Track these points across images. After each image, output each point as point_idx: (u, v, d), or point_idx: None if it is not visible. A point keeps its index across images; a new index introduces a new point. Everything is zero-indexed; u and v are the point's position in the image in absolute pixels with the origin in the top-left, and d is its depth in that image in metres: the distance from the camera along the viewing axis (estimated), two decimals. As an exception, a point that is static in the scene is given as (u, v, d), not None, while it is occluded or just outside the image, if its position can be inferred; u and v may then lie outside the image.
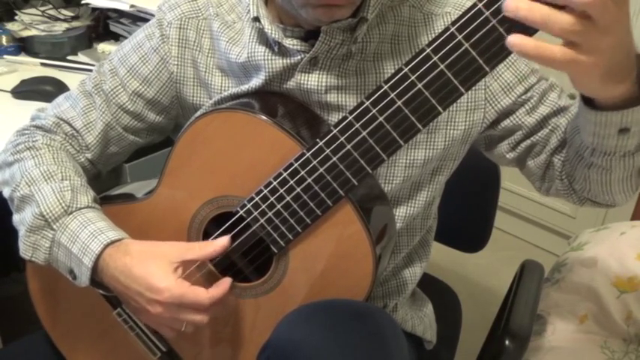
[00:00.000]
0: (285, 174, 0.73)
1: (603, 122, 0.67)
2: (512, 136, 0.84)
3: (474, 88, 0.79)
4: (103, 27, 1.56)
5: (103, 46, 1.50)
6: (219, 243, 0.76)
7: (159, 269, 0.73)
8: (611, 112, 0.66)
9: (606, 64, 0.56)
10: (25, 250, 0.80)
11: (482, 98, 0.81)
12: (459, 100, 0.80)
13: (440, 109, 0.64)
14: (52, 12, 1.55)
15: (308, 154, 0.71)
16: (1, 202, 0.87)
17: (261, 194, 0.75)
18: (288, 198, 0.73)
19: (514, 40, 0.53)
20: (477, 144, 0.90)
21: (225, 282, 0.76)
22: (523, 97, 0.81)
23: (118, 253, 0.75)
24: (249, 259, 0.83)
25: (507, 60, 0.80)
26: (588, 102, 0.67)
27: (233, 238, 0.79)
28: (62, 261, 0.79)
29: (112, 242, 0.76)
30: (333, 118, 0.80)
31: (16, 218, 0.83)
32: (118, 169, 1.19)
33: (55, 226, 0.78)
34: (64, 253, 0.78)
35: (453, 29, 0.59)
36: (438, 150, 0.83)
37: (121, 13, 1.51)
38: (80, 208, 0.80)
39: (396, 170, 0.83)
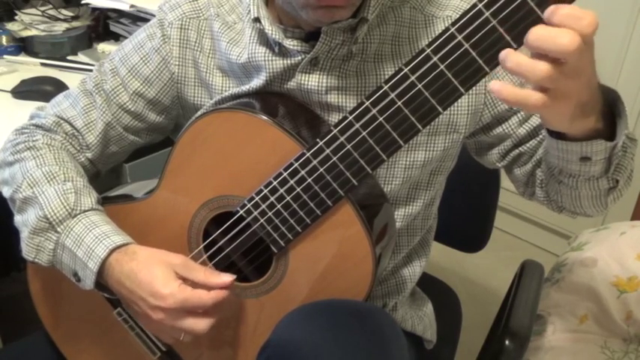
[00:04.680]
0: (285, 174, 0.73)
1: (564, 149, 0.70)
2: (502, 144, 0.85)
3: (475, 92, 0.80)
4: (103, 27, 1.56)
5: (103, 46, 1.50)
6: (224, 280, 0.75)
7: (163, 275, 0.73)
8: (570, 142, 0.68)
9: (576, 104, 0.59)
10: (28, 251, 0.80)
11: (482, 102, 0.82)
12: (461, 104, 0.80)
13: (440, 109, 0.64)
14: (52, 12, 1.55)
15: (308, 154, 0.71)
16: (1, 202, 0.87)
17: (261, 194, 0.75)
18: (288, 198, 0.73)
19: (493, 85, 0.56)
20: (467, 148, 0.90)
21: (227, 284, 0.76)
22: None
23: (125, 257, 0.75)
24: (249, 259, 0.83)
25: None
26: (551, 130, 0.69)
27: (233, 238, 0.79)
28: (66, 263, 0.79)
29: (118, 247, 0.76)
30: (334, 118, 0.80)
31: (18, 219, 0.83)
32: (118, 169, 1.19)
33: (59, 229, 0.78)
34: (69, 256, 0.78)
35: (453, 30, 0.59)
36: (438, 152, 0.83)
37: (121, 13, 1.51)
38: (84, 211, 0.80)
39: (396, 171, 0.83)
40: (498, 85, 0.56)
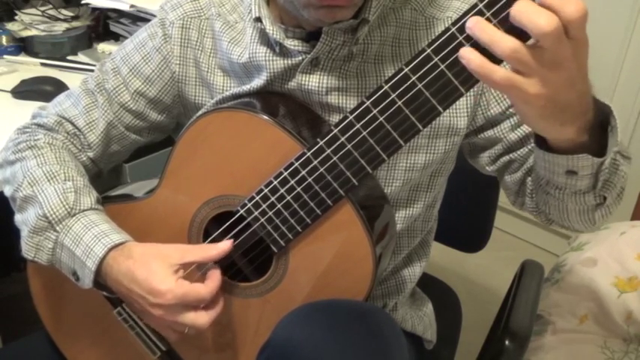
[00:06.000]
0: (285, 173, 0.73)
1: (550, 161, 0.69)
2: (493, 148, 0.85)
3: (474, 93, 0.80)
4: (103, 27, 1.56)
5: (103, 46, 1.50)
6: (221, 246, 0.76)
7: (160, 271, 0.73)
8: (557, 154, 0.67)
9: (551, 99, 0.57)
10: (27, 250, 0.80)
11: (478, 103, 0.82)
12: (460, 106, 0.80)
13: (440, 109, 0.64)
14: (52, 12, 1.55)
15: (309, 154, 0.71)
16: (1, 201, 0.87)
17: (262, 193, 0.75)
18: (288, 197, 0.73)
19: (463, 52, 0.55)
20: (461, 149, 0.90)
21: (215, 272, 0.77)
22: (510, 109, 0.81)
23: (121, 256, 0.76)
24: (249, 259, 0.83)
25: None
26: (540, 139, 0.68)
27: (233, 238, 0.79)
28: (65, 262, 0.79)
29: (116, 245, 0.76)
30: (334, 118, 0.80)
31: (18, 218, 0.83)
32: (118, 169, 1.19)
33: (58, 228, 0.78)
34: (68, 255, 0.78)
35: (453, 29, 0.59)
36: (439, 155, 0.83)
37: (121, 13, 1.51)
38: (83, 210, 0.80)
39: (396, 173, 0.83)
40: (467, 52, 0.55)
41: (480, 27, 0.54)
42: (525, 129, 0.82)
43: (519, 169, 0.84)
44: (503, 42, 0.53)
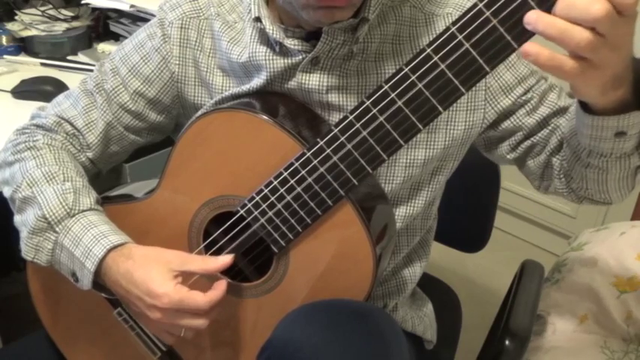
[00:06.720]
0: (285, 173, 0.73)
1: (600, 126, 0.68)
2: (513, 136, 0.85)
3: (474, 88, 0.80)
4: (103, 27, 1.56)
5: (103, 46, 1.50)
6: (222, 260, 0.76)
7: (159, 274, 0.73)
8: (607, 116, 0.66)
9: (610, 75, 0.58)
10: (27, 251, 0.80)
11: (482, 99, 0.82)
12: (459, 101, 0.80)
13: (440, 109, 0.64)
14: (52, 12, 1.55)
15: (308, 154, 0.71)
16: (1, 202, 0.87)
17: (262, 194, 0.75)
18: (288, 197, 0.73)
19: (530, 49, 0.55)
20: (475, 145, 0.90)
21: (222, 284, 0.77)
22: (523, 98, 0.82)
23: (121, 257, 0.76)
24: (250, 259, 0.83)
25: (507, 61, 0.81)
26: (584, 106, 0.68)
27: (233, 238, 0.79)
28: (65, 263, 0.79)
29: (115, 247, 0.76)
30: (334, 118, 0.80)
31: (17, 219, 0.83)
32: (118, 169, 1.19)
33: (57, 229, 0.78)
34: (67, 256, 0.78)
35: (453, 29, 0.59)
36: (438, 150, 0.83)
37: (121, 13, 1.51)
38: (83, 211, 0.80)
39: (396, 170, 0.83)
40: (536, 48, 0.55)
41: (546, 22, 0.54)
42: (543, 112, 0.82)
43: (542, 152, 0.84)
44: (577, 34, 0.53)
